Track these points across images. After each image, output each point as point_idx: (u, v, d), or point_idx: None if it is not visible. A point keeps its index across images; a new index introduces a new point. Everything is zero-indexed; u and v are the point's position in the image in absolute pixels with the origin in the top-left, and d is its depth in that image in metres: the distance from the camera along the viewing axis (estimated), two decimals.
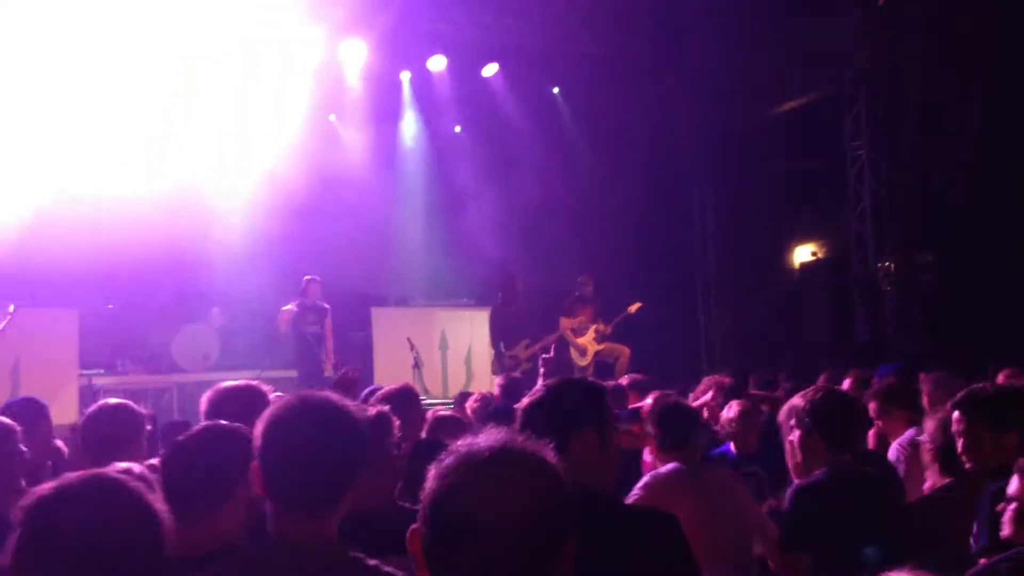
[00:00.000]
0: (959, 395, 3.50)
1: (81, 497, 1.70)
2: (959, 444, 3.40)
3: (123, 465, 2.47)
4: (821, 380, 7.31)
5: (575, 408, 2.53)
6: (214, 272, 12.90)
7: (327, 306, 11.26)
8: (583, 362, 11.52)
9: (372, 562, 2.11)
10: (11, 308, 9.75)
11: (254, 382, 3.81)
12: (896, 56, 12.04)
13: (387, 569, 2.10)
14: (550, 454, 1.64)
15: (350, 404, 2.21)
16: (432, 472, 1.59)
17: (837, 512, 3.36)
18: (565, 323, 11.63)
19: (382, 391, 4.59)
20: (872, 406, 5.21)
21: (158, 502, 1.80)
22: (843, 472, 3.47)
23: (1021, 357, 6.94)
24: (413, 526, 1.58)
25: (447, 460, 1.58)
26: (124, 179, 13.16)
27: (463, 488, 1.54)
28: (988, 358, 7.60)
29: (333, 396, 2.21)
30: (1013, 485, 2.67)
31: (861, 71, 12.43)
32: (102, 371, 11.49)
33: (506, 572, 1.51)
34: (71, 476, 1.76)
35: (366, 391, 5.33)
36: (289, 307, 11.01)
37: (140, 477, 2.32)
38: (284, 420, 2.10)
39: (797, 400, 3.71)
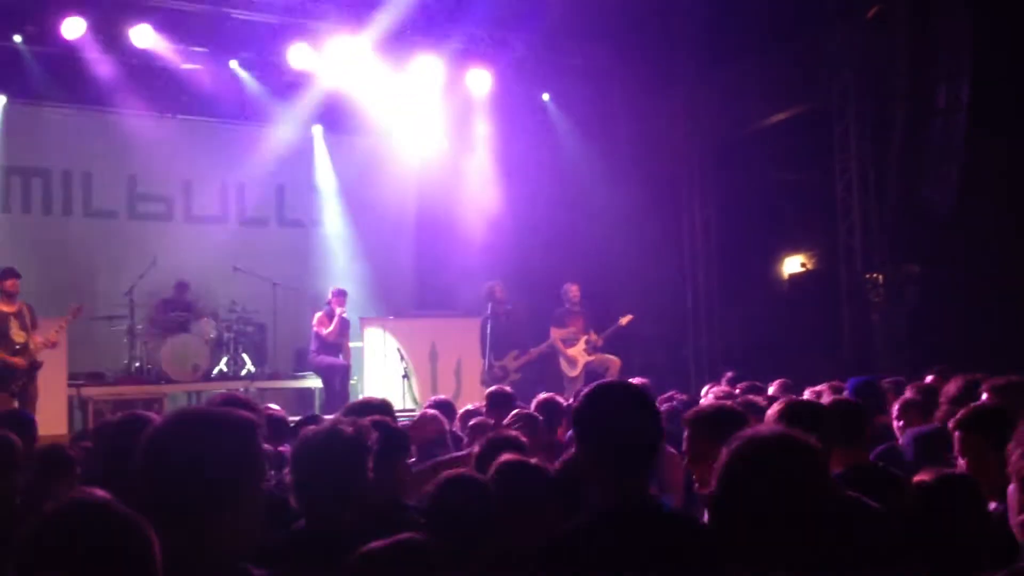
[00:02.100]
0: None
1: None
2: None
3: None
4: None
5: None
6: (205, 283, 12.93)
7: (347, 317, 11.94)
8: (573, 373, 11.53)
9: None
10: (75, 307, 9.74)
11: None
12: (883, 69, 12.13)
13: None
14: (813, 440, 2.11)
15: (233, 416, 2.22)
16: (725, 451, 2.08)
17: None
18: (555, 333, 11.66)
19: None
20: None
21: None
22: None
23: (1005, 369, 6.98)
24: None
25: (737, 443, 2.07)
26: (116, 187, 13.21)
27: (751, 463, 2.01)
28: (973, 370, 7.64)
29: (215, 409, 2.29)
30: None
31: (849, 84, 12.51)
32: (91, 382, 11.50)
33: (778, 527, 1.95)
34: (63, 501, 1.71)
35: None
36: (320, 315, 11.46)
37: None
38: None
39: None
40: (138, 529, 1.70)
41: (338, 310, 11.76)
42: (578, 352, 11.58)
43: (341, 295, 11.89)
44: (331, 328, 11.56)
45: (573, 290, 11.79)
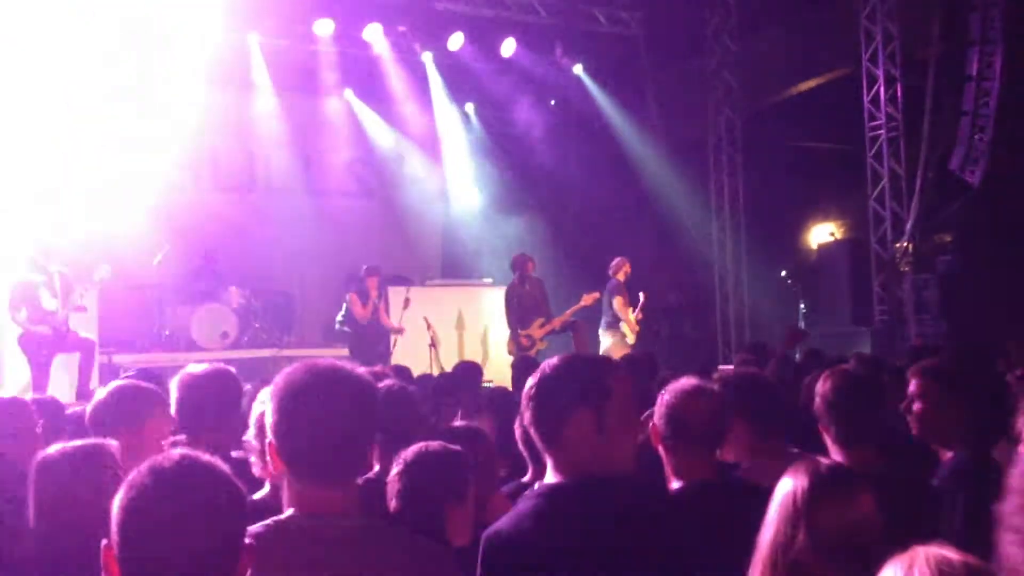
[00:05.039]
0: None
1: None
2: None
3: None
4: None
5: (567, 389, 2.32)
6: (233, 251, 13.00)
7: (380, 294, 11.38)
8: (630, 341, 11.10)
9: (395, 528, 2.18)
10: (105, 270, 9.37)
11: (223, 366, 3.69)
12: (915, 35, 11.95)
13: (415, 537, 2.14)
14: None
15: (360, 371, 2.13)
16: None
17: None
18: (619, 302, 11.15)
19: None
20: None
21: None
22: None
23: None
24: None
25: None
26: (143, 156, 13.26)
27: None
28: (1004, 340, 7.57)
29: (342, 364, 2.13)
30: None
31: (879, 50, 12.34)
32: (122, 349, 11.62)
33: None
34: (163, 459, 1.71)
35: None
36: (352, 296, 11.04)
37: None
38: (299, 390, 2.03)
39: None
40: (236, 484, 1.74)
41: (372, 293, 11.18)
42: (633, 325, 11.18)
43: (373, 272, 11.20)
44: (366, 311, 11.13)
45: (627, 266, 11.34)
